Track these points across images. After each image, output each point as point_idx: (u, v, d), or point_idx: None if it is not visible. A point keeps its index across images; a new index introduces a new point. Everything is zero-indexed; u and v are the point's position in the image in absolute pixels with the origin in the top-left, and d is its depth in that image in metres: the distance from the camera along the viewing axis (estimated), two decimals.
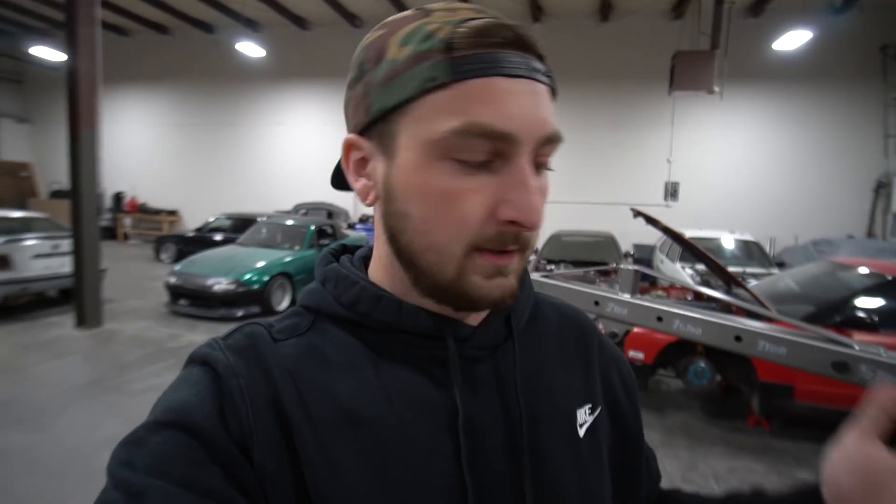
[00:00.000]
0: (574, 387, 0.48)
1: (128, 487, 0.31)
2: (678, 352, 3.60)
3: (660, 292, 4.82)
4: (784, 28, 8.63)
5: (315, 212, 11.16)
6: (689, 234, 5.93)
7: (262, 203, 12.29)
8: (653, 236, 8.49)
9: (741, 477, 2.92)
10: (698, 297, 4.02)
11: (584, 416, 0.47)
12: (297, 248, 6.90)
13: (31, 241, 5.71)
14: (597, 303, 1.73)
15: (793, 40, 8.61)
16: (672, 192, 10.10)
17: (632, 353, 3.61)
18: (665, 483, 0.59)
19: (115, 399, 3.64)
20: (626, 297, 1.73)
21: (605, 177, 10.89)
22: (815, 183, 10.22)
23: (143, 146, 14.36)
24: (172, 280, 6.05)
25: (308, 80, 12.70)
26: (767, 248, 7.72)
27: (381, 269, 0.44)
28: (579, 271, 5.01)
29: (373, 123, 0.39)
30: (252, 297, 5.91)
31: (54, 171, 13.93)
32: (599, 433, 0.48)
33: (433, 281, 0.39)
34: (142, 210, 14.03)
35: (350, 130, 0.42)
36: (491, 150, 0.36)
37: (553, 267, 6.39)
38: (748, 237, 7.29)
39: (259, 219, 8.20)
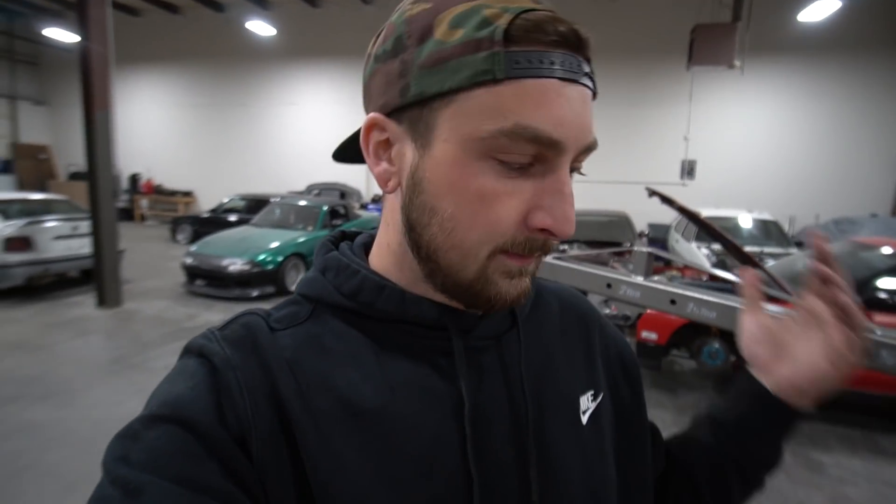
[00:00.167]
0: (577, 374, 0.48)
1: (124, 484, 0.30)
2: (692, 333, 3.57)
3: (674, 272, 4.77)
4: None
5: (328, 192, 11.17)
6: (705, 213, 5.83)
7: (275, 183, 12.35)
8: (668, 216, 8.37)
9: None
10: (713, 277, 3.97)
11: (587, 403, 0.47)
12: (310, 228, 6.95)
13: (51, 223, 5.83)
14: (609, 285, 1.71)
15: (820, 10, 8.23)
16: (689, 170, 9.87)
17: (645, 334, 3.59)
18: None
19: (137, 376, 3.75)
20: (639, 279, 1.71)
21: (619, 155, 10.68)
22: (838, 160, 9.92)
23: (157, 127, 14.46)
24: (188, 261, 6.15)
25: (319, 59, 12.58)
26: (786, 228, 7.55)
27: (388, 257, 0.42)
28: (593, 252, 4.96)
29: (406, 106, 0.36)
30: (266, 278, 5.98)
31: (72, 154, 14.12)
32: (602, 419, 0.48)
33: (452, 280, 0.38)
34: (158, 191, 14.20)
35: (374, 108, 0.39)
36: (534, 155, 0.34)
37: (566, 247, 6.35)
38: (766, 216, 7.14)
39: (272, 200, 8.25)
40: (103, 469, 0.32)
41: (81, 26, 5.25)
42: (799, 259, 4.39)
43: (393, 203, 0.41)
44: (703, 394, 3.80)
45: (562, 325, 0.50)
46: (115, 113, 5.49)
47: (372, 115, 0.38)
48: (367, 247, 0.47)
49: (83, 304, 5.59)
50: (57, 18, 11.84)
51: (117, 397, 3.36)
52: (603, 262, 4.34)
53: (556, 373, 0.46)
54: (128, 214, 13.36)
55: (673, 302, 1.87)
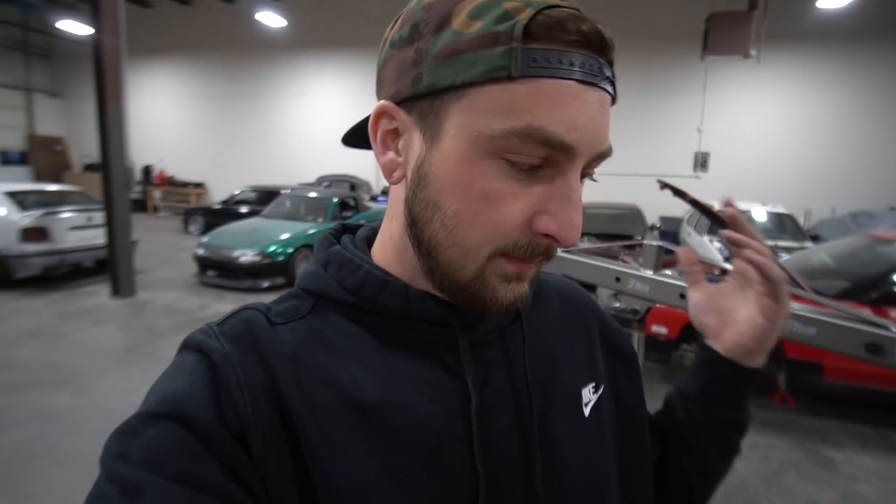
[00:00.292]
0: (578, 366, 0.48)
1: (123, 482, 0.30)
2: None
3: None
4: None
5: (338, 184, 11.21)
6: (718, 206, 5.73)
7: (285, 175, 12.40)
8: (680, 209, 8.26)
9: (764, 453, 2.90)
10: (725, 272, 3.92)
11: (589, 395, 0.47)
12: (320, 220, 6.99)
13: (66, 214, 5.92)
14: (618, 279, 1.69)
15: None
16: (702, 162, 9.73)
17: (655, 328, 3.56)
18: None
19: (149, 365, 3.81)
20: (649, 273, 1.69)
21: (631, 146, 10.54)
22: (856, 151, 9.70)
23: (169, 119, 14.57)
24: (200, 251, 6.21)
25: (329, 50, 12.56)
26: (802, 221, 7.43)
27: (391, 251, 0.42)
28: (603, 245, 4.92)
29: (418, 97, 0.35)
30: (277, 269, 6.03)
31: (86, 145, 14.31)
32: (603, 411, 0.48)
33: (449, 279, 0.37)
34: (170, 183, 14.35)
35: (385, 96, 0.38)
36: (544, 157, 0.34)
37: None
38: (781, 209, 7.02)
39: (283, 191, 8.29)
40: (101, 466, 0.32)
41: (94, 18, 5.29)
42: (814, 253, 4.32)
43: (397, 195, 0.40)
44: None
45: (563, 318, 0.51)
46: (127, 105, 5.53)
47: (382, 102, 0.38)
48: (369, 241, 0.46)
49: (97, 294, 5.69)
50: (71, 11, 11.94)
51: (131, 385, 3.42)
52: (613, 256, 4.31)
53: (558, 366, 0.46)
54: (141, 206, 13.54)
55: (683, 296, 1.85)
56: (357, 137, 0.47)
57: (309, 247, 6.40)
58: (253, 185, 10.56)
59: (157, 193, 14.13)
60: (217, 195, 13.46)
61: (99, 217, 5.90)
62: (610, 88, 0.36)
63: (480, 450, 0.38)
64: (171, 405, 0.33)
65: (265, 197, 9.37)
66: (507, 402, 0.41)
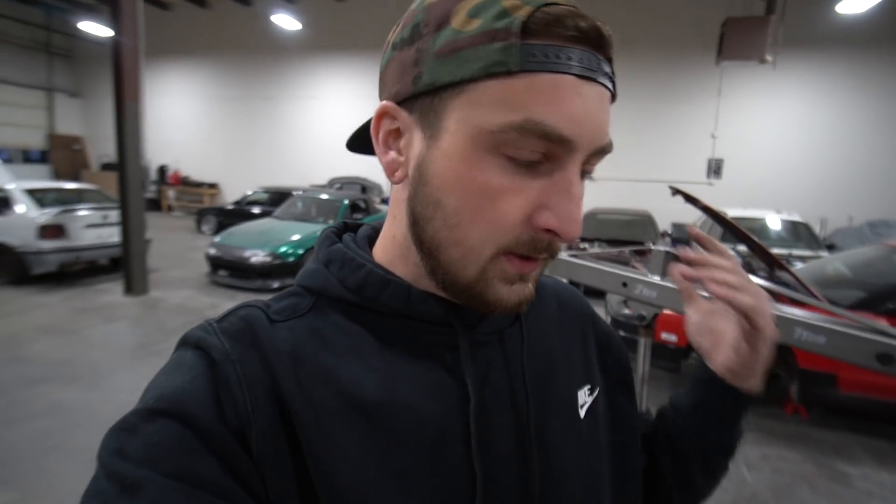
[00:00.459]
0: (574, 368, 0.49)
1: (121, 479, 0.29)
2: None
3: None
4: None
5: (349, 186, 11.28)
6: (731, 213, 5.67)
7: (297, 177, 12.51)
8: (693, 215, 8.17)
9: (775, 465, 2.84)
10: None
11: (584, 397, 0.48)
12: (331, 221, 7.01)
13: (83, 212, 6.03)
14: (625, 284, 1.67)
15: (861, 1, 7.88)
16: (715, 169, 9.61)
17: (665, 336, 3.52)
18: None
19: (160, 362, 3.76)
20: (656, 279, 1.66)
21: (644, 152, 10.47)
22: (874, 159, 9.52)
23: (184, 120, 14.78)
24: (212, 251, 6.28)
25: (343, 53, 12.66)
26: (818, 230, 7.31)
27: (393, 250, 0.42)
28: (614, 251, 4.89)
29: (418, 95, 0.36)
30: (287, 270, 6.07)
31: (104, 145, 14.57)
32: (598, 413, 0.49)
33: (452, 278, 0.37)
34: (184, 183, 14.54)
35: (387, 97, 0.38)
36: (544, 152, 0.34)
37: (587, 245, 6.27)
38: (796, 217, 6.91)
39: (295, 193, 8.36)
40: (98, 462, 0.31)
41: (114, 20, 5.39)
42: (829, 263, 4.24)
43: (399, 194, 0.40)
44: None
45: (560, 320, 0.51)
46: (144, 105, 5.63)
47: (383, 103, 0.38)
48: (371, 239, 0.46)
49: (111, 291, 5.77)
50: (91, 12, 12.18)
51: (142, 382, 3.40)
52: (624, 262, 4.28)
53: (555, 368, 0.47)
54: (155, 205, 13.74)
55: None
56: (362, 143, 0.47)
57: None
58: (265, 187, 10.66)
59: (171, 193, 14.32)
60: (230, 196, 13.61)
61: (114, 215, 5.99)
62: (609, 84, 0.36)
63: (477, 449, 0.38)
64: (170, 402, 0.33)
65: (277, 198, 9.45)
66: (504, 402, 0.42)
